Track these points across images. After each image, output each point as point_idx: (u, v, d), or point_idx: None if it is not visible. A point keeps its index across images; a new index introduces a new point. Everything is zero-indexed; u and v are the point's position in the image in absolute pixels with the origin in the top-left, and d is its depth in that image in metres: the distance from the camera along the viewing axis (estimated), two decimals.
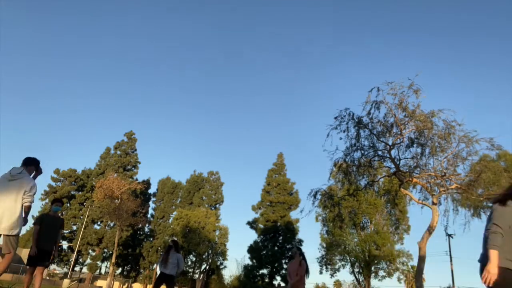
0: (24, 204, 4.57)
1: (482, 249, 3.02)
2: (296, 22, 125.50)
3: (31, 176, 4.93)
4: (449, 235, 31.66)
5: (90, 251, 46.78)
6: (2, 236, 4.45)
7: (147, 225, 51.11)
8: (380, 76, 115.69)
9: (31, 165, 4.96)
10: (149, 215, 52.13)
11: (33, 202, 4.64)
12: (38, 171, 5.09)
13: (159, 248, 46.27)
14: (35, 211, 52.12)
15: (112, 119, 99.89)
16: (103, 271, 52.03)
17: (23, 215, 4.63)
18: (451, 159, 13.18)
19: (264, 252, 39.72)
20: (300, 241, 40.38)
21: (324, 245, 36.97)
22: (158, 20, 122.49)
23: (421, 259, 12.81)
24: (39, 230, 6.47)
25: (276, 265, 39.26)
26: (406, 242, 41.51)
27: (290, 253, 7.97)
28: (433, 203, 13.21)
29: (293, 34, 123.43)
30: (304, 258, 7.69)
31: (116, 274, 47.51)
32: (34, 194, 4.68)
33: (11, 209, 4.43)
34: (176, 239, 10.04)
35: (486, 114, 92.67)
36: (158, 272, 8.40)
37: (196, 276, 43.16)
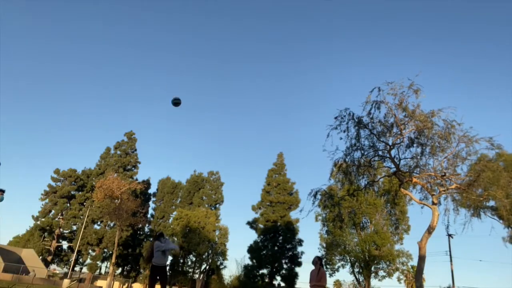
0: None
1: None
2: (297, 22, 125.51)
3: None
4: (449, 235, 31.70)
5: (90, 251, 46.77)
6: None
7: (147, 225, 51.09)
8: (381, 77, 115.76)
9: None
10: (149, 215, 52.11)
11: None
12: None
13: None
14: (34, 211, 52.09)
15: (112, 119, 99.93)
16: (103, 271, 52.04)
17: None
18: (451, 159, 13.19)
19: (264, 252, 39.70)
20: (300, 241, 40.38)
21: (324, 245, 36.97)
22: (159, 21, 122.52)
23: (421, 259, 12.82)
24: None
25: (276, 265, 39.24)
26: (406, 242, 41.50)
27: (312, 261, 8.89)
28: (433, 203, 13.22)
29: (294, 34, 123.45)
30: (322, 266, 8.83)
31: (116, 274, 47.48)
32: None
33: None
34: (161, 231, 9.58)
35: (486, 114, 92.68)
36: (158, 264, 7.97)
37: (196, 276, 43.12)
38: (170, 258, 8.57)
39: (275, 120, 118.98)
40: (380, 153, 14.20)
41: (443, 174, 13.13)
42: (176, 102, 7.83)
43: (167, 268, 7.95)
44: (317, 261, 8.76)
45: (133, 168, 52.09)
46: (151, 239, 48.40)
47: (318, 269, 8.62)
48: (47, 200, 49.83)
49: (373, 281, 34.22)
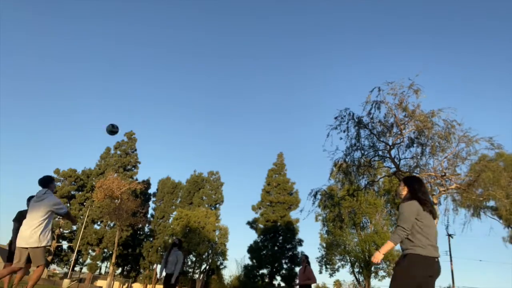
0: (60, 215, 5.39)
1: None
2: (296, 22, 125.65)
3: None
4: (449, 235, 31.68)
5: (90, 251, 46.76)
6: (29, 249, 5.12)
7: (147, 225, 51.09)
8: (381, 77, 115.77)
9: (51, 183, 5.58)
10: (149, 215, 52.11)
11: (63, 209, 5.38)
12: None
13: (159, 248, 46.25)
14: None
15: (112, 119, 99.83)
16: (103, 271, 52.05)
17: (70, 220, 5.65)
18: (451, 159, 13.19)
19: (264, 252, 39.69)
20: (300, 241, 40.37)
21: (324, 245, 36.96)
22: (159, 21, 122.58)
23: None
24: (18, 227, 6.44)
25: (276, 265, 39.25)
26: None
27: (298, 259, 9.17)
28: (433, 203, 13.22)
29: (293, 34, 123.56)
30: (309, 264, 8.92)
31: (116, 274, 47.49)
32: (60, 205, 5.38)
33: (36, 225, 5.11)
34: (179, 238, 9.95)
35: (486, 114, 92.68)
36: (159, 274, 8.40)
37: (196, 276, 43.14)
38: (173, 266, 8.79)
39: (275, 120, 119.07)
40: (380, 153, 14.21)
41: (443, 174, 13.13)
42: (112, 131, 7.13)
43: (176, 276, 8.30)
44: (303, 259, 8.97)
45: (133, 168, 52.09)
46: (151, 239, 48.55)
47: (304, 267, 8.74)
48: None
49: (373, 281, 34.23)
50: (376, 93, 13.14)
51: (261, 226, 41.11)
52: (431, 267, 3.14)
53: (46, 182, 5.49)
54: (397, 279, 3.14)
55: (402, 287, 3.09)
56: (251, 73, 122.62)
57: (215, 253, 42.34)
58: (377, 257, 3.40)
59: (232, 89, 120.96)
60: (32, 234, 5.05)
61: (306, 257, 9.06)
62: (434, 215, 3.43)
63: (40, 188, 5.49)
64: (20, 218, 6.48)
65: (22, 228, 5.16)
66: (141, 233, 50.99)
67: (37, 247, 5.09)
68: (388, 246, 3.34)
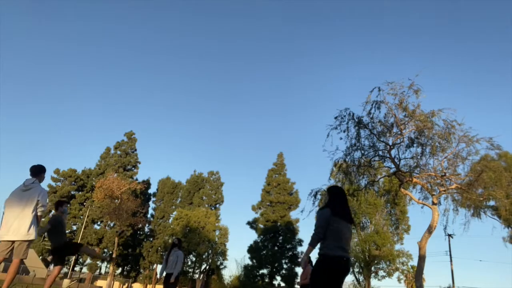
0: (38, 213, 4.98)
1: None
2: (296, 22, 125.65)
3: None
4: (449, 235, 31.65)
5: None
6: (15, 242, 4.81)
7: (147, 225, 51.09)
8: (381, 77, 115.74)
9: (42, 173, 5.29)
10: (149, 215, 52.11)
11: (44, 207, 5.01)
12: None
13: (159, 248, 46.25)
14: None
15: (112, 119, 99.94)
16: (103, 271, 52.09)
17: (36, 223, 5.00)
18: (451, 159, 13.18)
19: (264, 252, 39.69)
20: (300, 241, 40.38)
21: None
22: (159, 21, 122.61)
23: (421, 258, 12.82)
24: (52, 230, 6.41)
25: (276, 265, 39.24)
26: (406, 242, 41.50)
27: (298, 260, 9.30)
28: (433, 203, 13.22)
29: (293, 34, 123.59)
30: (311, 264, 8.91)
31: (116, 274, 47.48)
32: (45, 201, 5.04)
33: (25, 217, 4.82)
34: (179, 237, 10.06)
35: (486, 114, 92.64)
36: (159, 274, 8.46)
37: (196, 276, 43.13)
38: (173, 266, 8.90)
39: (275, 120, 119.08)
40: (380, 153, 14.19)
41: (443, 174, 13.12)
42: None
43: (175, 276, 8.34)
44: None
45: (133, 168, 52.07)
46: (151, 239, 48.53)
47: (304, 268, 8.80)
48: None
49: (373, 281, 34.21)
50: (376, 93, 13.13)
51: (261, 226, 41.11)
52: (338, 265, 3.66)
53: (36, 171, 5.18)
54: (312, 276, 3.70)
55: (316, 283, 3.63)
56: (251, 73, 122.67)
57: (215, 253, 42.33)
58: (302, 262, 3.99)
59: (233, 89, 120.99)
60: (21, 226, 4.75)
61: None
62: (349, 221, 3.95)
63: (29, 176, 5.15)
64: (53, 222, 6.38)
65: (7, 219, 4.80)
66: (141, 233, 50.99)
67: (26, 241, 4.80)
68: (308, 250, 3.88)
